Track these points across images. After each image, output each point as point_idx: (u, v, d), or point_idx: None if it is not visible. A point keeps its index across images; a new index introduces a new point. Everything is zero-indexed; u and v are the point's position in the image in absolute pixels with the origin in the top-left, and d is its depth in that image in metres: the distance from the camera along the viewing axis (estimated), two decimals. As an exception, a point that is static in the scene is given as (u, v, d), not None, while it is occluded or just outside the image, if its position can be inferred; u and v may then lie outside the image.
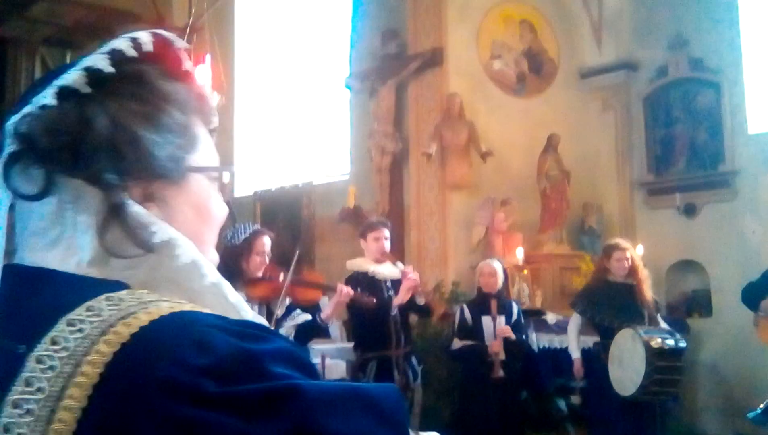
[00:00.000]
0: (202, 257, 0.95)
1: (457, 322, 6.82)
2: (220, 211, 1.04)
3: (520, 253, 8.65)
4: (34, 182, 0.90)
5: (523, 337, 6.88)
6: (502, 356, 6.49)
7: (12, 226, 0.94)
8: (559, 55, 10.40)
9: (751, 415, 6.63)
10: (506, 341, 6.52)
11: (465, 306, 6.91)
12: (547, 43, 10.37)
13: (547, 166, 9.48)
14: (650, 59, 10.11)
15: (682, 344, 6.41)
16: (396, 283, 5.85)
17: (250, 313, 0.96)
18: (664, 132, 9.99)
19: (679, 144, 9.85)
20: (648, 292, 6.54)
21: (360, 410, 0.81)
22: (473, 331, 6.62)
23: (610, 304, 6.54)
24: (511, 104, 9.96)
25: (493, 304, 6.61)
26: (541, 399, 7.63)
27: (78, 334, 0.80)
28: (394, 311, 5.80)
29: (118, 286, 0.87)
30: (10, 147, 0.91)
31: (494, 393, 6.45)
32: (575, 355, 6.83)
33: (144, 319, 0.81)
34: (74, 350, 0.79)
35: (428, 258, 9.40)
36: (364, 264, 5.95)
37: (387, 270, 5.89)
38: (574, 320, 6.95)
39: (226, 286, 0.95)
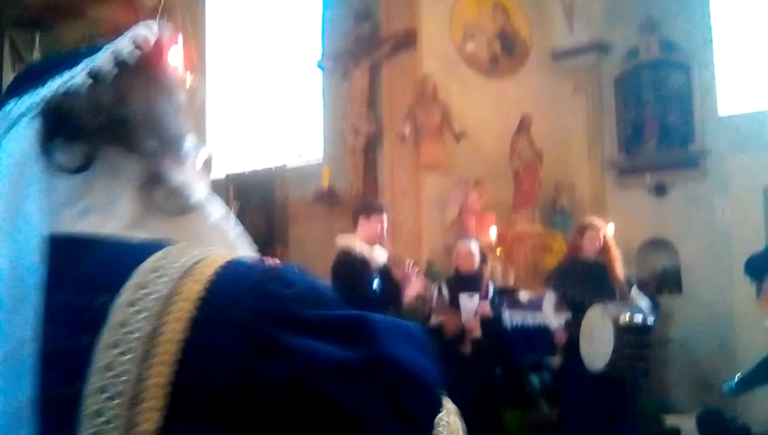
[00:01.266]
0: (225, 216, 1.05)
1: (434, 299, 6.89)
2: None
3: (493, 233, 8.74)
4: (74, 156, 0.96)
5: (498, 314, 6.97)
6: (478, 334, 6.58)
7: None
8: (532, 37, 10.47)
9: (726, 386, 6.80)
10: (482, 319, 6.61)
11: (443, 283, 6.98)
12: (519, 25, 10.43)
13: (519, 147, 9.57)
14: (621, 41, 10.21)
15: (651, 321, 6.53)
16: (382, 271, 5.83)
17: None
18: (634, 113, 10.11)
19: (650, 125, 9.98)
20: (619, 271, 6.65)
21: (409, 341, 0.92)
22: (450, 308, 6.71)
23: (582, 281, 6.65)
24: (484, 85, 10.01)
25: (483, 283, 6.73)
26: (514, 375, 7.73)
27: (162, 278, 0.87)
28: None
29: (164, 243, 0.94)
30: (33, 123, 0.96)
31: (469, 369, 6.52)
32: (554, 324, 6.92)
33: (217, 261, 0.90)
34: (163, 291, 0.86)
35: (402, 238, 9.44)
36: (358, 244, 5.87)
37: (377, 254, 5.86)
38: (548, 296, 7.05)
39: (246, 241, 1.05)
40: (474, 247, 6.87)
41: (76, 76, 0.96)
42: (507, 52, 10.33)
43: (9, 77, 11.29)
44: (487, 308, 6.64)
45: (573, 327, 6.66)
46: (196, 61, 9.56)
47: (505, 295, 8.06)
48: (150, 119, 1.00)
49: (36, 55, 11.67)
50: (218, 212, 1.04)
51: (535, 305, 8.03)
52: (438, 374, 0.93)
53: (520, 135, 9.59)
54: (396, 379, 0.87)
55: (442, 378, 0.94)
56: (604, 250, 6.62)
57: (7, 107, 0.98)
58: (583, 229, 6.80)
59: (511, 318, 7.98)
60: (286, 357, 0.83)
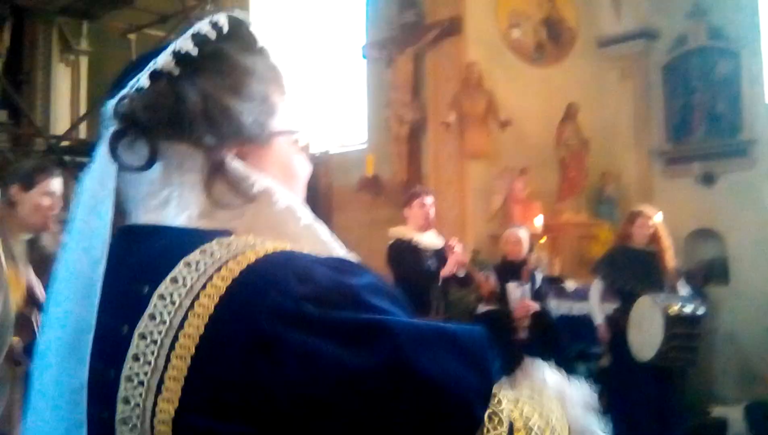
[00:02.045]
0: (296, 201, 1.05)
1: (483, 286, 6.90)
2: (303, 170, 1.16)
3: (539, 222, 8.71)
4: (140, 154, 1.00)
5: (545, 304, 6.96)
6: (527, 322, 6.58)
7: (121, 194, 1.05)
8: (578, 24, 10.37)
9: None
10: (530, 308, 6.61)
11: (491, 271, 6.98)
12: (565, 12, 10.34)
13: (565, 135, 9.50)
14: (669, 28, 10.07)
15: (700, 311, 6.47)
16: (438, 253, 5.91)
17: (342, 251, 1.05)
18: (682, 101, 9.97)
19: (698, 113, 9.84)
20: (670, 261, 6.59)
21: (445, 350, 0.88)
22: (498, 296, 6.70)
23: (632, 270, 6.60)
24: (529, 73, 9.95)
25: (525, 271, 6.69)
26: (562, 365, 7.70)
27: (195, 273, 0.90)
28: (440, 282, 5.86)
29: (226, 233, 0.97)
30: (112, 127, 1.01)
31: (518, 359, 6.51)
32: (599, 320, 6.89)
33: (251, 257, 0.91)
34: (193, 286, 0.89)
35: (447, 227, 9.41)
36: (407, 232, 5.97)
37: (429, 239, 5.94)
38: (596, 285, 7.01)
39: (319, 226, 1.05)
40: (523, 234, 6.86)
41: (141, 78, 1.01)
42: (553, 39, 10.25)
43: (57, 65, 11.47)
44: (534, 306, 6.64)
45: (621, 316, 6.63)
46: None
47: (551, 285, 8.04)
48: (210, 113, 1.02)
49: (84, 43, 11.82)
50: (287, 199, 1.05)
51: (581, 295, 7.99)
52: (473, 385, 0.89)
53: (566, 123, 9.52)
54: (413, 388, 0.84)
55: (492, 377, 0.92)
56: (655, 238, 6.57)
57: (107, 105, 1.05)
58: (633, 217, 6.75)
59: (557, 307, 7.96)
60: (291, 357, 0.83)
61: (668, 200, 9.44)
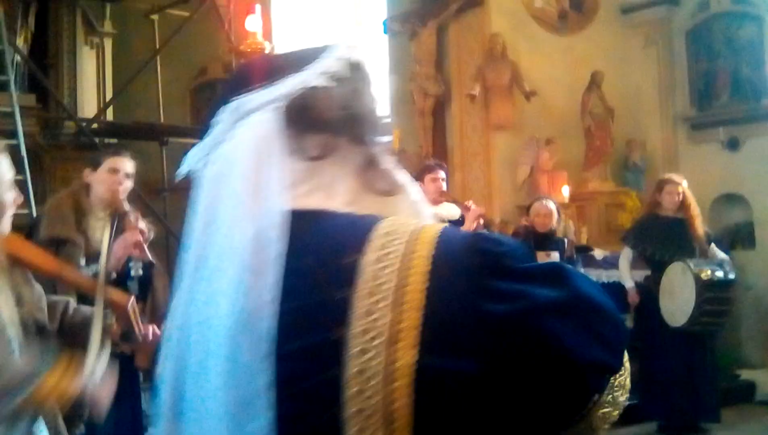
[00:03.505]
0: (420, 196, 1.24)
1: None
2: None
3: (566, 192, 8.77)
4: (315, 145, 1.14)
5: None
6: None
7: None
8: (600, -9, 10.35)
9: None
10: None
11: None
12: (587, -21, 10.32)
13: (590, 104, 9.53)
14: (692, -7, 10.05)
15: (732, 276, 6.55)
16: (457, 223, 5.98)
17: None
18: (706, 66, 9.96)
19: (722, 78, 9.83)
20: (699, 227, 6.66)
21: (591, 283, 1.09)
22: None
23: (662, 237, 6.68)
24: (553, 42, 9.96)
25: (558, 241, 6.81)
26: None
27: (396, 241, 1.05)
28: None
29: (379, 217, 1.11)
30: (273, 114, 1.12)
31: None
32: (629, 284, 6.97)
33: (432, 229, 1.08)
34: (401, 251, 1.04)
35: (473, 198, 9.47)
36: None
37: (446, 210, 6.02)
38: (625, 254, 7.09)
39: (431, 218, 1.23)
40: (552, 205, 6.92)
41: (315, 77, 1.14)
42: (576, 7, 10.24)
43: (82, 48, 11.55)
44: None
45: (653, 283, 6.71)
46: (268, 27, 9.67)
47: (580, 254, 8.11)
48: (370, 113, 1.19)
49: (107, 25, 11.91)
50: (417, 193, 1.22)
51: (610, 263, 8.07)
52: (618, 308, 1.11)
53: (591, 92, 9.54)
54: (594, 312, 1.04)
55: None
56: (684, 206, 6.63)
57: (238, 101, 1.14)
58: (661, 185, 6.81)
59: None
60: (506, 299, 1.00)
61: (693, 166, 9.47)
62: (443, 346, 0.98)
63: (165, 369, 1.10)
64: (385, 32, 10.90)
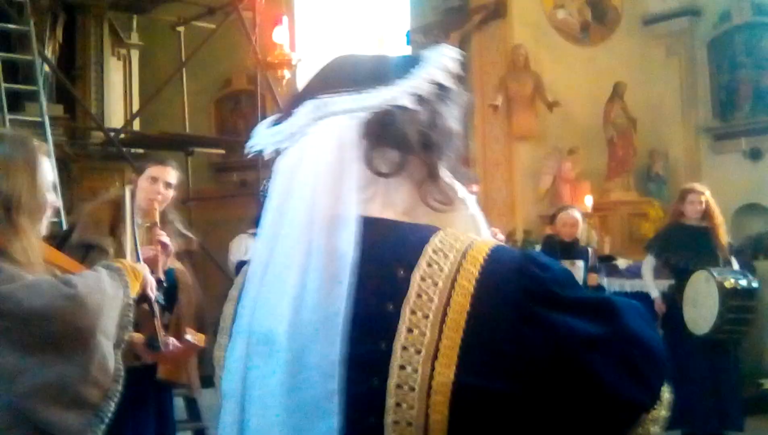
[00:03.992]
0: (479, 212, 1.26)
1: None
2: None
3: (589, 201, 8.80)
4: (389, 161, 1.16)
5: (600, 281, 7.09)
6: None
7: None
8: (622, 3, 10.40)
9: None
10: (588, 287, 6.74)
11: (542, 252, 7.10)
12: (609, -9, 10.38)
13: (613, 114, 9.58)
14: (713, 4, 10.06)
15: (755, 284, 6.56)
16: None
17: None
18: (728, 77, 9.98)
19: (744, 89, 9.84)
20: (723, 235, 6.67)
21: (640, 317, 1.12)
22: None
23: (685, 246, 6.69)
24: (575, 53, 10.03)
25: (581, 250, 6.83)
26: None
27: (445, 259, 1.08)
28: None
29: (434, 228, 1.15)
30: (354, 123, 1.14)
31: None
32: (655, 293, 7.00)
33: (484, 248, 1.11)
34: (448, 270, 1.07)
35: (496, 208, 9.58)
36: None
37: None
38: (648, 263, 7.11)
39: (487, 231, 1.27)
40: (577, 214, 6.97)
41: (400, 96, 1.15)
42: (598, 18, 10.30)
43: (110, 59, 11.71)
44: (594, 278, 6.76)
45: (676, 292, 6.73)
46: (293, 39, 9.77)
47: (603, 263, 8.15)
48: (447, 137, 1.20)
49: (134, 37, 12.07)
50: (474, 207, 1.25)
51: (633, 272, 8.10)
52: (662, 343, 1.14)
53: (613, 102, 9.60)
54: (636, 350, 1.06)
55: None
56: (708, 215, 6.65)
57: (323, 100, 1.16)
58: (684, 194, 6.83)
59: (609, 285, 8.07)
60: (548, 329, 1.04)
61: (716, 176, 9.47)
62: (481, 367, 1.03)
63: (228, 374, 1.15)
64: (407, 44, 10.98)
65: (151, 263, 3.33)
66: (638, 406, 1.07)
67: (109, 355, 2.12)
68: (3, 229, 2.12)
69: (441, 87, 1.18)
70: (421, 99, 1.16)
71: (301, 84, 1.31)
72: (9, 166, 2.16)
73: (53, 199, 2.30)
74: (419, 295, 1.05)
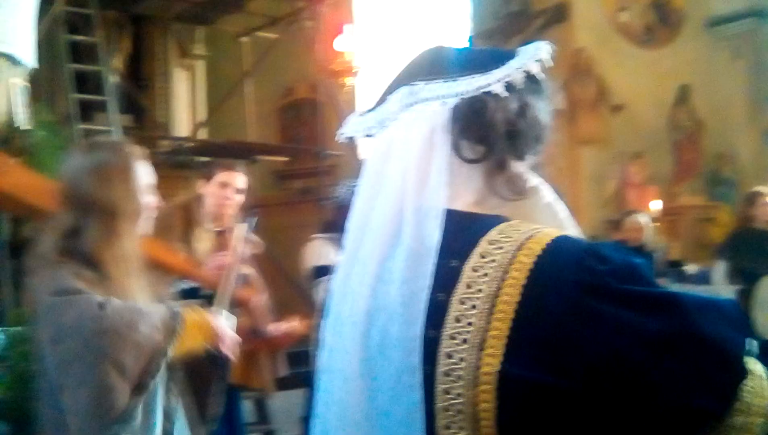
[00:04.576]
0: (555, 199, 1.23)
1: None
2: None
3: (656, 206, 8.69)
4: (475, 149, 1.15)
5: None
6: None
7: None
8: (686, 5, 10.25)
9: None
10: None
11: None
12: (673, -7, 10.25)
13: (679, 118, 9.44)
14: (779, 5, 9.89)
15: (827, 287, 6.41)
16: None
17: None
18: (796, 78, 9.79)
19: (812, 89, 9.64)
20: (794, 239, 6.54)
21: (717, 315, 1.03)
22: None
23: (756, 250, 6.57)
24: (639, 56, 9.91)
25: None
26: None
27: (500, 250, 1.07)
28: None
29: (501, 218, 1.14)
30: (445, 109, 1.15)
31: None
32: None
33: (545, 239, 1.07)
34: (500, 261, 1.05)
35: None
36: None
37: None
38: (719, 267, 7.00)
39: (571, 221, 1.23)
40: (644, 219, 6.90)
41: (493, 84, 1.14)
42: (662, 21, 10.17)
43: (176, 70, 11.95)
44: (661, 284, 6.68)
45: (746, 297, 6.61)
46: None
47: (671, 269, 8.03)
48: (536, 126, 1.17)
49: (199, 48, 12.29)
50: (549, 196, 1.22)
51: (702, 278, 7.96)
52: (742, 344, 1.02)
53: (679, 105, 9.47)
54: (700, 350, 0.97)
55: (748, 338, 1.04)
56: (777, 217, 6.52)
57: (416, 86, 1.17)
58: (753, 198, 6.70)
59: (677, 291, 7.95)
60: (601, 324, 0.99)
61: (786, 179, 9.28)
62: (529, 358, 1.00)
63: (321, 351, 1.17)
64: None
65: (224, 269, 3.28)
66: (698, 412, 0.98)
67: (116, 391, 2.04)
68: (100, 235, 2.17)
69: (533, 79, 1.16)
70: (512, 88, 1.14)
71: (375, 87, 1.30)
72: (106, 173, 2.21)
73: (150, 200, 2.33)
74: (468, 286, 1.05)
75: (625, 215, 7.04)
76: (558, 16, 9.76)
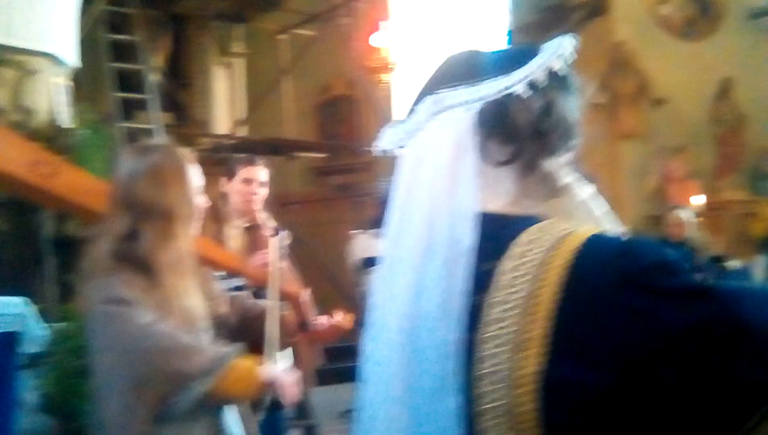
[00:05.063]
0: (590, 196, 1.21)
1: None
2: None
3: (699, 201, 8.59)
4: (504, 151, 1.15)
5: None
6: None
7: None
8: (728, -4, 10.11)
9: None
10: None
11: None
12: (714, -15, 10.10)
13: (721, 111, 9.31)
14: (823, -5, 9.69)
15: None
16: None
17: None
18: (840, 69, 9.58)
19: None
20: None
21: (760, 302, 1.01)
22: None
23: (801, 246, 6.49)
24: (680, 49, 9.77)
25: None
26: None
27: (537, 250, 1.06)
28: None
29: (535, 218, 1.13)
30: (470, 114, 1.15)
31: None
32: None
33: (579, 238, 1.06)
34: (536, 262, 1.05)
35: (600, 208, 9.40)
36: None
37: None
38: (760, 263, 6.92)
39: (610, 217, 1.22)
40: (687, 215, 6.84)
41: (515, 84, 1.14)
42: (702, 13, 10.03)
43: (214, 67, 12.06)
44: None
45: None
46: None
47: (714, 264, 7.93)
48: (562, 124, 1.16)
49: (238, 46, 12.39)
50: (585, 192, 1.20)
51: (744, 274, 7.85)
52: None
53: (721, 99, 9.33)
54: (736, 338, 0.96)
55: None
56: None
57: (440, 95, 1.18)
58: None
59: (720, 286, 7.85)
60: (639, 317, 0.98)
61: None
62: (569, 358, 1.00)
63: (363, 360, 1.18)
64: (509, 44, 10.93)
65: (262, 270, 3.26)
66: (758, 384, 0.95)
67: (128, 413, 2.07)
68: (157, 239, 2.20)
69: (557, 75, 1.15)
70: (535, 87, 1.14)
71: (412, 83, 1.30)
72: (161, 176, 2.24)
73: (202, 202, 2.36)
74: (504, 288, 1.05)
75: (668, 211, 7.00)
76: (597, 9, 9.67)
